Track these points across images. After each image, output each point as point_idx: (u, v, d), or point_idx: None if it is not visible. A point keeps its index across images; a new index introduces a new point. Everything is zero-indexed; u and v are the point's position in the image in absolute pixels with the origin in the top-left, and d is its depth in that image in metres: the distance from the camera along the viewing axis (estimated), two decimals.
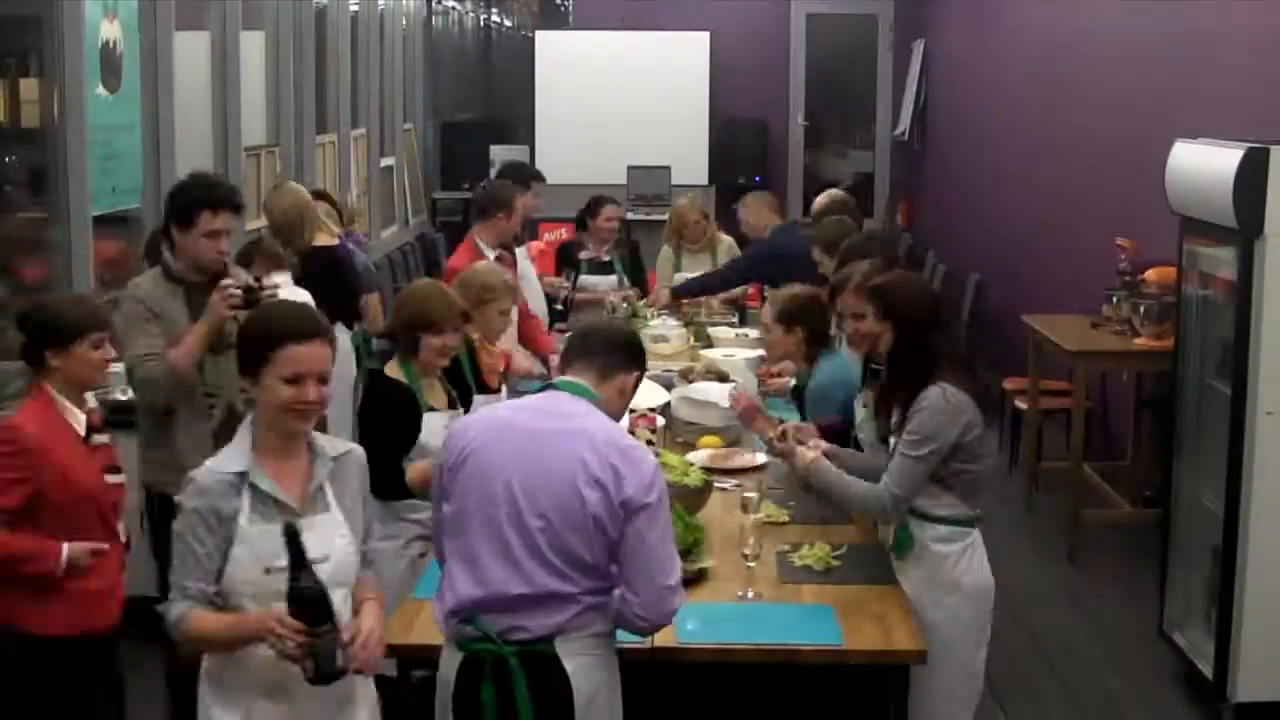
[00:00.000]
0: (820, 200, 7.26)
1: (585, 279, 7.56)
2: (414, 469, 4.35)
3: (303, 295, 6.15)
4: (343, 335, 6.39)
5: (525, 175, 7.40)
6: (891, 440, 3.98)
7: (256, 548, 2.92)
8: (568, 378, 3.29)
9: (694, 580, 3.76)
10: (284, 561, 2.85)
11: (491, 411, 3.39)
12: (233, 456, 3.01)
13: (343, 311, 6.38)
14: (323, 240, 6.48)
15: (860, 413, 4.40)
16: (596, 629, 3.11)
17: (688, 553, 3.86)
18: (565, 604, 3.06)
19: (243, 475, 2.97)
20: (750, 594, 3.79)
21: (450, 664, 3.15)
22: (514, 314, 6.29)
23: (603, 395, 3.27)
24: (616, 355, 3.33)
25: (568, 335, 3.59)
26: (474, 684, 3.08)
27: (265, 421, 3.02)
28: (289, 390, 2.95)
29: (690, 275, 7.71)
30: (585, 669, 3.08)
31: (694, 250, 7.77)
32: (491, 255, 6.38)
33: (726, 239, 7.90)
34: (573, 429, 3.13)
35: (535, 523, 3.05)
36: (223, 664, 3.03)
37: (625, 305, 7.32)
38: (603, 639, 3.14)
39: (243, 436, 3.04)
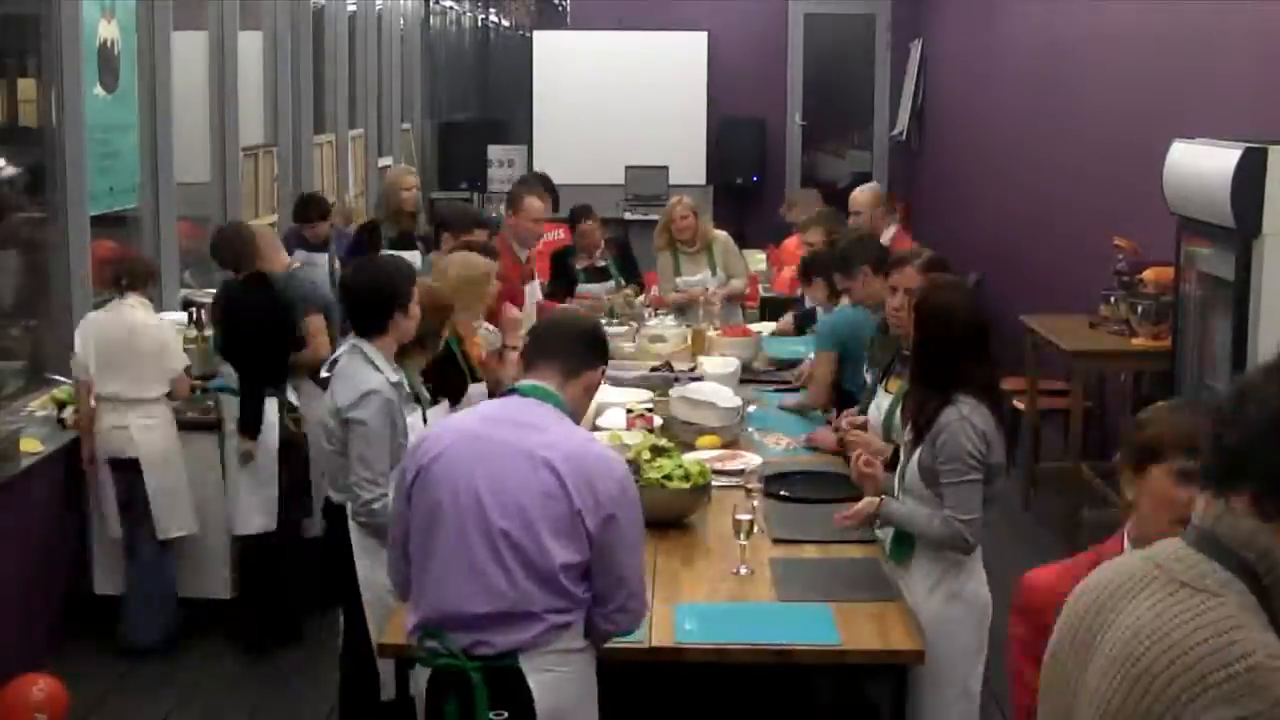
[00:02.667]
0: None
1: (584, 287, 7.57)
2: None
3: (148, 318, 5.74)
4: None
5: (533, 184, 7.30)
6: (902, 453, 3.92)
7: None
8: (531, 381, 3.21)
9: None
10: None
11: (456, 420, 3.31)
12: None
13: None
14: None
15: (881, 396, 4.47)
16: (564, 645, 3.05)
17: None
18: (529, 621, 3.00)
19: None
20: (743, 569, 3.89)
21: (420, 679, 3.14)
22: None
23: (568, 395, 3.20)
24: (580, 352, 3.26)
25: (529, 331, 3.50)
26: (440, 699, 3.06)
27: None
28: None
29: (691, 278, 7.68)
30: (550, 684, 3.02)
31: (691, 252, 7.73)
32: (524, 254, 6.67)
33: (721, 235, 7.84)
34: (540, 439, 3.06)
35: (501, 538, 3.00)
36: None
37: (624, 304, 7.34)
38: (572, 654, 3.07)
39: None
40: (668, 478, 4.25)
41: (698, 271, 7.67)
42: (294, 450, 5.78)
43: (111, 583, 5.82)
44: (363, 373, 4.12)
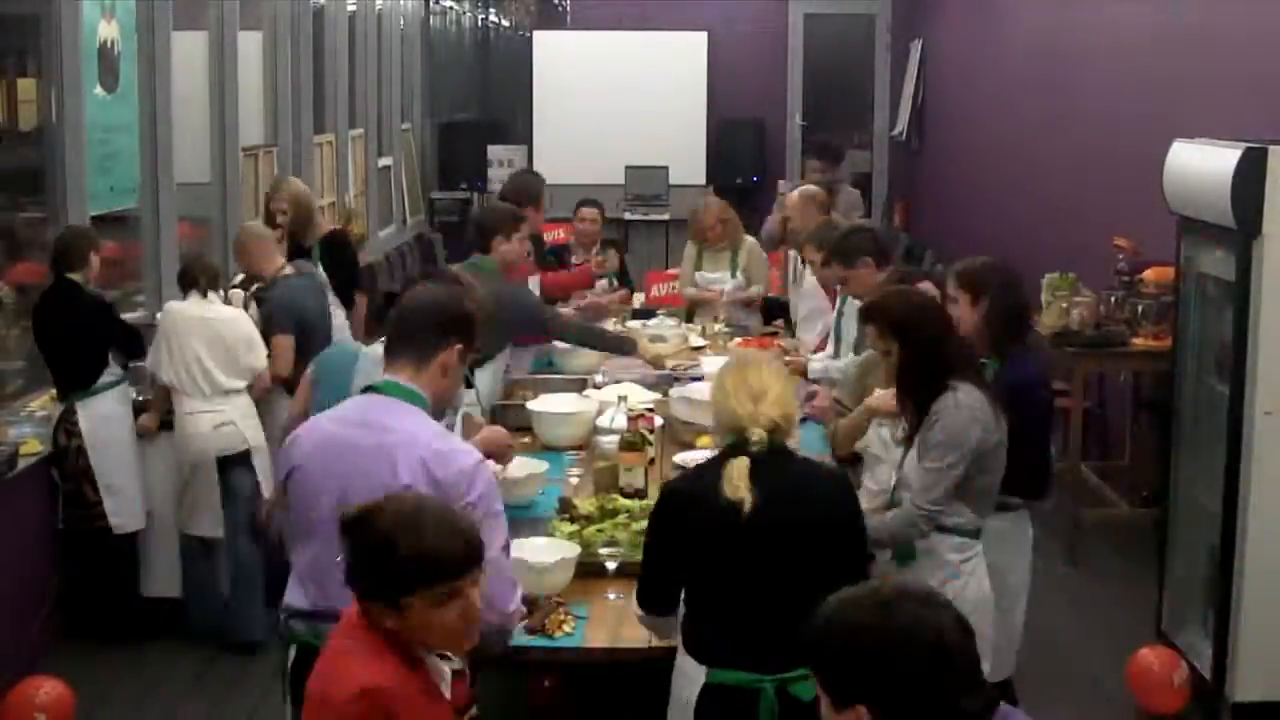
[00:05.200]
0: (794, 198, 7.32)
1: None
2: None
3: (232, 313, 5.91)
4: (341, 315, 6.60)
5: (525, 196, 6.90)
6: (898, 453, 3.92)
7: None
8: (386, 377, 3.25)
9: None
10: None
11: (316, 424, 3.33)
12: None
13: (346, 292, 6.59)
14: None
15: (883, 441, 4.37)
16: None
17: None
18: None
19: None
20: None
21: (288, 655, 3.24)
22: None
23: (425, 382, 3.22)
24: (430, 333, 3.26)
25: (388, 317, 3.45)
26: (305, 672, 3.10)
27: None
28: None
29: (710, 275, 7.66)
30: None
31: (716, 250, 7.74)
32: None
33: (749, 240, 7.79)
34: (390, 441, 3.09)
35: None
36: None
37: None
38: None
39: None
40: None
41: (718, 270, 7.68)
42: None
43: (168, 585, 5.90)
44: None
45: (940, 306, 4.07)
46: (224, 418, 5.70)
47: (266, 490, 5.72)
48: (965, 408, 3.71)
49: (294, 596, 3.23)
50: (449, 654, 2.59)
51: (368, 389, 3.29)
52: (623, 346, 6.18)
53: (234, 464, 5.75)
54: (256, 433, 5.82)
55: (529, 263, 6.38)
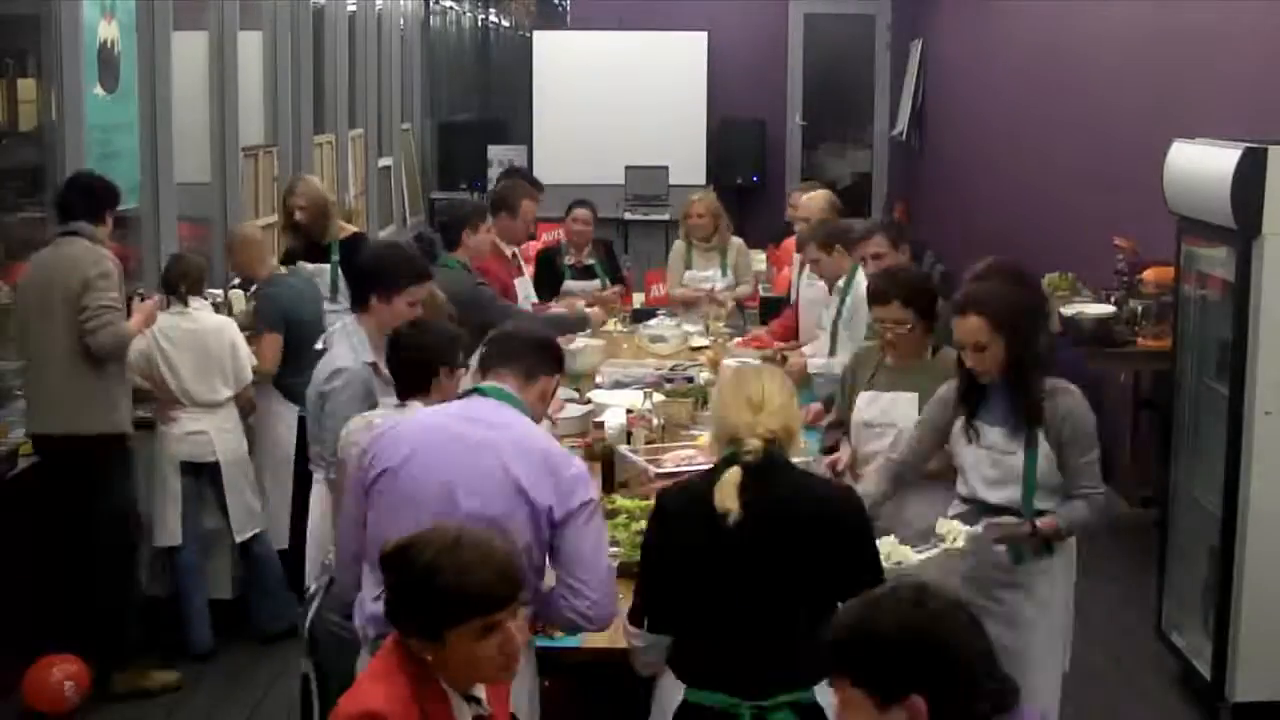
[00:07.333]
0: (805, 200, 7.27)
1: (570, 284, 7.59)
2: None
3: (218, 322, 5.80)
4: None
5: (524, 185, 7.31)
6: (994, 445, 3.87)
7: None
8: (493, 383, 3.30)
9: None
10: None
11: (421, 418, 3.36)
12: None
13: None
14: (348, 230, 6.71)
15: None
16: None
17: None
18: None
19: None
20: None
21: (361, 662, 3.19)
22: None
23: (527, 400, 3.30)
24: (538, 359, 3.36)
25: (487, 339, 3.58)
26: None
27: None
28: None
29: (700, 273, 7.68)
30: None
31: (705, 249, 7.74)
32: (509, 251, 6.52)
33: (737, 241, 7.81)
34: (504, 437, 3.15)
35: None
36: None
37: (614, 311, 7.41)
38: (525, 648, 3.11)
39: None
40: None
41: (708, 268, 7.69)
42: None
43: (166, 585, 5.88)
44: (338, 349, 4.24)
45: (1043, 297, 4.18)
46: (198, 426, 5.66)
47: (235, 504, 5.75)
48: (1078, 398, 3.83)
49: (374, 603, 3.11)
50: (479, 699, 2.56)
51: (471, 391, 3.34)
52: (577, 325, 6.46)
53: (203, 474, 5.74)
54: (237, 446, 5.78)
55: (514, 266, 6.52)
